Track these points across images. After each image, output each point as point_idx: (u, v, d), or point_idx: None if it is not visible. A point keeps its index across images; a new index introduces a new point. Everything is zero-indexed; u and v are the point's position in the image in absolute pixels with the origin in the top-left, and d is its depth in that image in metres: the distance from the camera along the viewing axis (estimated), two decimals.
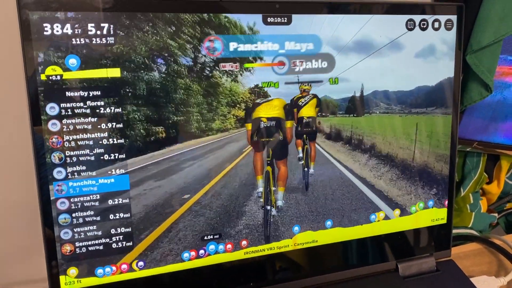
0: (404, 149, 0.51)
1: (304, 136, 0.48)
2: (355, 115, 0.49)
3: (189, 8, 0.41)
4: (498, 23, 0.52)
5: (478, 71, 0.54)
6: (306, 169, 0.49)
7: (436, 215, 0.54)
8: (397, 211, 0.52)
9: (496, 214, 0.72)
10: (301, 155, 0.48)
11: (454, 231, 0.66)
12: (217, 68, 0.43)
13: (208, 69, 0.43)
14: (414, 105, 0.51)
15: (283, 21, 0.44)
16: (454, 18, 0.51)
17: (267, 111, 0.45)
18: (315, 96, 0.47)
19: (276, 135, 0.47)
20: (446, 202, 0.54)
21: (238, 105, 0.45)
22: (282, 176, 0.48)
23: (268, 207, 0.47)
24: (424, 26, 0.49)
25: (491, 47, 0.54)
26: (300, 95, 0.46)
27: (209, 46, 0.42)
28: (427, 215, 0.54)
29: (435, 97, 0.52)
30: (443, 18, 0.50)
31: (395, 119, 0.51)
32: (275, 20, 0.44)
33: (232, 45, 0.43)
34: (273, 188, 0.48)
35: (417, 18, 0.49)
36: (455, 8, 0.51)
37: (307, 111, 0.47)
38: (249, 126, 0.46)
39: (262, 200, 0.47)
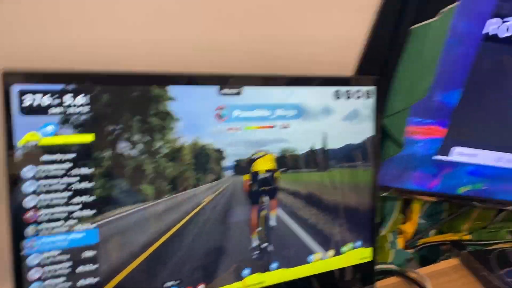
0: (335, 198, 0.60)
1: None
2: (317, 170, 0.58)
3: (158, 81, 0.47)
4: (406, 94, 0.63)
5: (392, 132, 0.65)
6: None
7: (363, 254, 0.63)
8: (331, 252, 0.60)
9: (412, 250, 0.83)
10: (255, 243, 0.56)
11: (377, 266, 0.75)
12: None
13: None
14: (343, 160, 0.60)
15: (234, 92, 0.51)
16: (373, 88, 0.61)
17: (263, 164, 0.54)
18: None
19: (271, 183, 0.55)
20: (371, 242, 0.64)
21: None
22: (274, 206, 0.56)
23: (266, 244, 0.55)
24: (349, 96, 0.59)
25: (402, 112, 0.64)
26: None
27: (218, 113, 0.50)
28: (356, 254, 0.63)
29: (360, 153, 0.61)
30: (364, 88, 0.61)
31: (328, 172, 0.59)
32: (228, 91, 0.51)
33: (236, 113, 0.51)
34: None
35: (343, 89, 0.59)
36: (373, 80, 0.61)
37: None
38: (246, 176, 0.54)
39: (258, 243, 0.55)
